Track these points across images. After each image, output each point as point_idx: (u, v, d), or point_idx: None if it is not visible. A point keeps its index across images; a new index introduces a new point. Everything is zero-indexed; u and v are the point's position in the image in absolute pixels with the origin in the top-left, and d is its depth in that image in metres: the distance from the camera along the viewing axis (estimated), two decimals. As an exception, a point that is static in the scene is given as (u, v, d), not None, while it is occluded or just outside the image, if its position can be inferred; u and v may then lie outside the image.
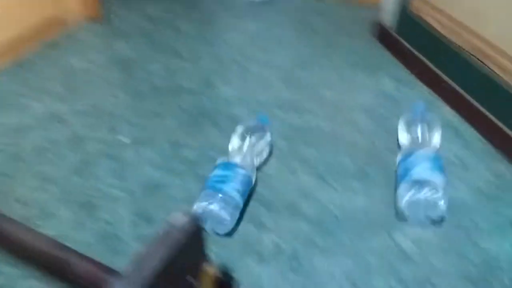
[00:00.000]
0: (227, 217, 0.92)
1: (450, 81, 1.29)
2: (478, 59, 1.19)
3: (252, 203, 1.00)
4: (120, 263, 0.87)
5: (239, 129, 1.08)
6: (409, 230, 0.94)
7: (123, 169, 1.09)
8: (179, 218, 0.73)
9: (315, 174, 1.08)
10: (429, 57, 1.38)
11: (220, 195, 0.93)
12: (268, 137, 1.10)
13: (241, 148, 1.05)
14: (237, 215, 0.94)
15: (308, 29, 1.71)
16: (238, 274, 0.85)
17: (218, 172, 0.98)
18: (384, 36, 1.59)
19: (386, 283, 0.84)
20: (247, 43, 1.61)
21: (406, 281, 0.84)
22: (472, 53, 1.21)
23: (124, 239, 0.93)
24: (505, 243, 0.90)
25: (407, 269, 0.86)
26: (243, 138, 1.07)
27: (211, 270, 0.75)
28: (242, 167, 0.99)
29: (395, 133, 1.19)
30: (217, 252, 0.90)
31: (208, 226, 0.92)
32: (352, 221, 0.96)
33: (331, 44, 1.61)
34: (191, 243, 0.74)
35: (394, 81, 1.41)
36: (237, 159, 1.01)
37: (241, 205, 0.96)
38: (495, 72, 1.14)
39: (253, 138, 1.07)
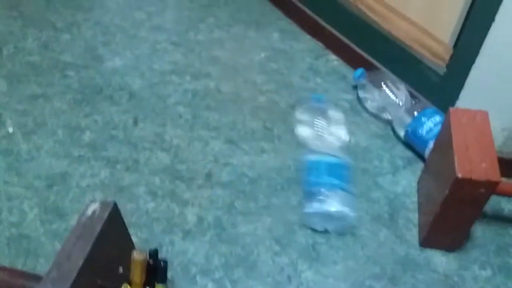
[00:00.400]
0: (348, 211, 0.87)
1: (331, 29, 1.35)
2: (349, 1, 1.27)
3: (168, 179, 0.99)
4: (36, 265, 0.83)
5: (303, 116, 1.02)
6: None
7: (19, 163, 1.00)
8: (93, 207, 0.71)
9: (223, 139, 1.09)
10: (308, 5, 1.42)
11: (330, 192, 0.88)
12: (334, 111, 1.05)
13: (317, 134, 1.00)
14: (353, 202, 0.90)
15: (188, -15, 1.65)
16: (166, 254, 0.86)
17: (313, 169, 0.92)
18: (264, -12, 1.59)
19: (308, 236, 0.91)
20: (128, 7, 1.51)
21: (326, 231, 0.92)
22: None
23: (35, 238, 0.87)
24: (402, 181, 1.02)
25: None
26: (312, 125, 1.01)
27: (139, 256, 0.74)
28: (330, 154, 0.94)
29: (290, 88, 1.25)
30: (141, 236, 0.89)
31: (327, 227, 0.89)
32: (267, 181, 1.01)
33: (215, 1, 1.58)
34: (111, 231, 0.72)
35: (281, 34, 1.44)
36: (319, 147, 0.96)
37: (351, 191, 0.91)
38: (365, 12, 1.23)
39: (322, 120, 1.02)
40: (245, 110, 1.18)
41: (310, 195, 0.90)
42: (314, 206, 0.88)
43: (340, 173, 0.92)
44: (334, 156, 0.94)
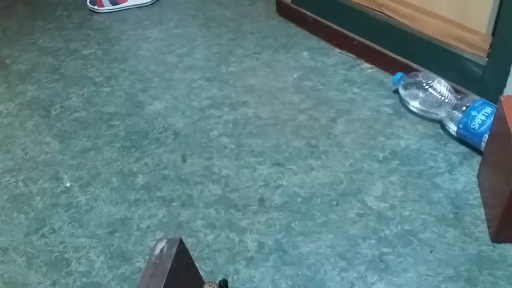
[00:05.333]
0: None
1: (360, 38, 1.35)
2: (373, 9, 1.27)
3: (223, 210, 1.00)
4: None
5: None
6: (375, 190, 0.99)
7: (80, 214, 1.04)
8: (160, 246, 0.72)
9: (270, 163, 1.10)
10: (332, 20, 1.43)
11: None
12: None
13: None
14: None
15: (212, 21, 1.70)
16: (233, 284, 0.86)
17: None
18: (285, 11, 1.63)
19: (373, 247, 0.89)
20: (159, 52, 1.57)
21: (391, 240, 0.90)
22: (366, 5, 1.28)
23: (106, 284, 0.89)
24: (461, 178, 0.99)
25: (387, 229, 0.92)
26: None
27: (211, 288, 0.74)
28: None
29: (328, 102, 1.25)
30: (206, 269, 0.89)
31: None
32: (320, 197, 1.00)
33: (240, 31, 1.62)
34: (180, 266, 0.73)
35: (310, 52, 1.45)
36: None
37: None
38: (393, 17, 1.23)
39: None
40: (286, 131, 1.18)
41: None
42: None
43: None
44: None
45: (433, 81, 1.12)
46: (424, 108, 1.12)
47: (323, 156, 1.09)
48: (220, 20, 1.70)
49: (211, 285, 0.76)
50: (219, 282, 0.76)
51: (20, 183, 1.14)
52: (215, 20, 1.71)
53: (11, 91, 1.47)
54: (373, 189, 0.99)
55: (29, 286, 0.91)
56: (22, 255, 0.97)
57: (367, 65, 1.35)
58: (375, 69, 1.33)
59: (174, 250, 0.71)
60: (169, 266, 0.69)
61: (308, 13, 1.51)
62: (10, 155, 1.22)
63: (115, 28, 1.75)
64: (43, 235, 1.00)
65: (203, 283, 0.79)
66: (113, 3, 1.84)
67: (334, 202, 0.98)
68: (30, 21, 1.86)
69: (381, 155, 1.07)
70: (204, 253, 0.92)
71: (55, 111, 1.36)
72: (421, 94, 1.12)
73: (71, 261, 0.94)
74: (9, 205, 1.08)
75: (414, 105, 1.14)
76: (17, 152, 1.23)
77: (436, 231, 0.90)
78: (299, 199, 1.00)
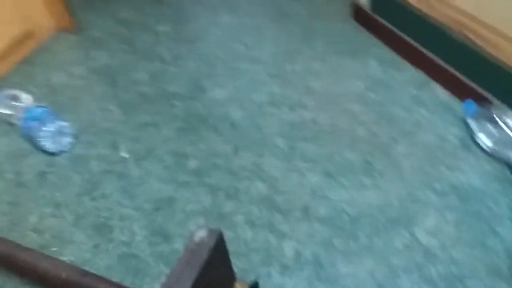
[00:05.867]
0: None
1: (435, 58, 1.29)
2: (454, 29, 1.20)
3: (266, 209, 1.00)
4: (143, 284, 0.87)
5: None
6: (427, 223, 0.95)
7: (131, 186, 1.07)
8: (200, 234, 0.72)
9: (320, 172, 1.08)
10: (409, 34, 1.37)
11: None
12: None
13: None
14: None
15: (284, 17, 1.68)
16: (263, 287, 0.85)
17: None
18: (361, 17, 1.58)
19: (414, 284, 0.85)
20: (228, 39, 1.58)
21: (434, 280, 0.86)
22: (449, 25, 1.22)
23: (143, 258, 0.92)
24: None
25: (433, 267, 0.88)
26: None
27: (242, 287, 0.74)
28: None
29: (392, 119, 1.20)
30: (240, 265, 0.89)
31: None
32: (368, 219, 0.97)
33: (311, 31, 1.59)
34: (216, 259, 0.73)
35: (380, 63, 1.40)
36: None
37: None
38: (474, 41, 1.15)
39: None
40: (342, 142, 1.15)
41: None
42: None
43: None
44: None
45: (507, 117, 1.05)
46: (494, 146, 1.06)
47: (377, 176, 1.06)
48: (293, 16, 1.68)
49: (242, 286, 0.76)
50: (250, 283, 0.76)
51: (80, 145, 1.18)
52: (287, 15, 1.69)
53: (84, 55, 1.53)
54: (425, 222, 0.95)
55: (73, 244, 0.95)
56: (72, 213, 1.01)
57: (438, 87, 1.29)
58: (447, 93, 1.27)
59: (213, 241, 0.71)
60: (205, 256, 0.69)
61: (386, 22, 1.46)
62: (75, 117, 1.27)
63: (189, 9, 1.76)
64: (93, 198, 1.04)
65: (234, 280, 0.79)
66: (193, -17, 1.85)
67: (382, 227, 0.95)
68: (110, -11, 1.91)
69: (439, 187, 1.02)
70: (240, 249, 0.92)
71: (122, 82, 1.40)
72: (493, 130, 1.06)
73: (114, 229, 0.97)
74: (66, 164, 1.13)
75: (484, 140, 1.08)
76: (81, 115, 1.28)
77: (487, 283, 0.84)
78: (345, 216, 0.98)
